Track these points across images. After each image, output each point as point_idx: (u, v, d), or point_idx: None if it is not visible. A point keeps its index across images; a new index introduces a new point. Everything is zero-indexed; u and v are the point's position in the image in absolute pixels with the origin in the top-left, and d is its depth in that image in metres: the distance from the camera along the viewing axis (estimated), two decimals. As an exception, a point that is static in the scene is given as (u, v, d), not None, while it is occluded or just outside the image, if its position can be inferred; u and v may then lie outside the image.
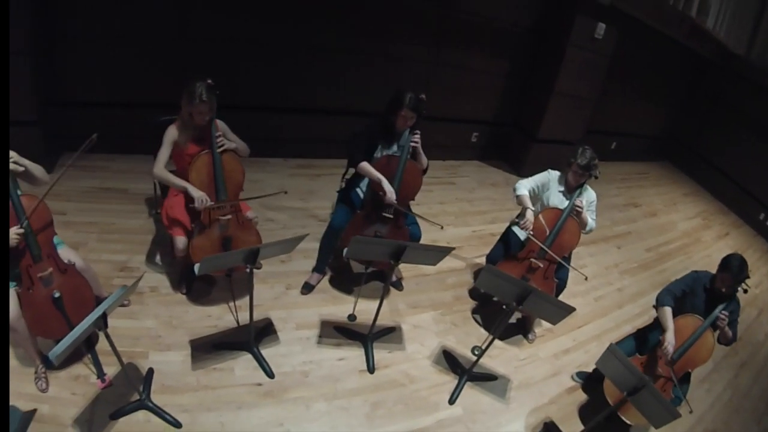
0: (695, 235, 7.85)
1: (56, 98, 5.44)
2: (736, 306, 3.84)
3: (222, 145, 3.85)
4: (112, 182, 5.47)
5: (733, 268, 3.67)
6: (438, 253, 3.73)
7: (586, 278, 4.67)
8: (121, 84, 5.62)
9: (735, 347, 5.39)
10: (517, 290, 3.48)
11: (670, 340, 3.67)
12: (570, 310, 3.40)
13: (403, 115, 4.04)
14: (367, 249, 3.62)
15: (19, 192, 3.05)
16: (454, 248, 3.73)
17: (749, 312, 6.18)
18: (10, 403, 2.34)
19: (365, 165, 4.11)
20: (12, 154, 3.03)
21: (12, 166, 3.02)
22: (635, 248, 6.91)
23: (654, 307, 4.01)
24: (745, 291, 3.79)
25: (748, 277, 3.76)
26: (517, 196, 4.33)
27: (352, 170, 4.41)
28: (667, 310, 3.83)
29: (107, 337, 2.91)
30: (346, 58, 6.44)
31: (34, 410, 2.80)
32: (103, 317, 2.80)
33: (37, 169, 3.20)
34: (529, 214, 4.17)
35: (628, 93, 9.13)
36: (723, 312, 3.68)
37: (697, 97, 10.31)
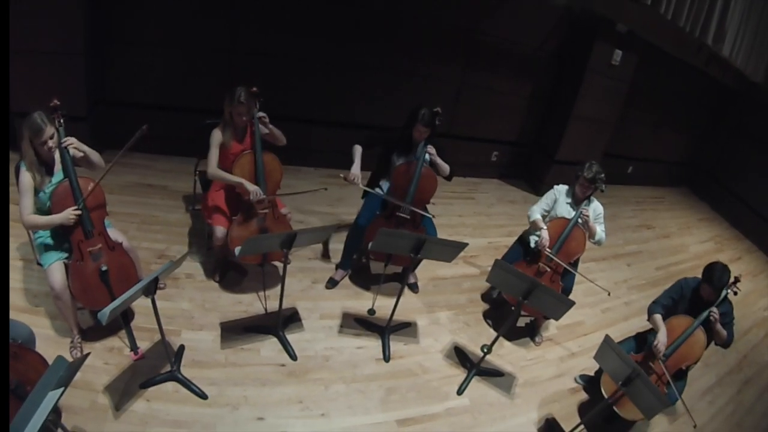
0: (707, 257, 7.80)
1: (105, 97, 5.83)
2: (728, 308, 4.01)
3: (265, 132, 4.25)
4: (154, 179, 5.86)
5: (714, 281, 3.87)
6: (453, 248, 4.00)
7: (609, 294, 4.86)
8: (166, 88, 6.01)
9: (740, 365, 5.54)
10: (524, 285, 3.75)
11: (661, 339, 3.90)
12: (570, 304, 3.67)
13: (418, 129, 4.46)
14: (390, 241, 3.90)
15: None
16: (467, 244, 3.99)
17: (756, 333, 6.29)
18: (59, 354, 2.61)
19: (356, 148, 4.63)
20: (72, 140, 3.40)
21: (72, 150, 3.41)
22: (645, 266, 7.05)
23: (647, 320, 4.22)
24: (735, 293, 4.00)
25: (738, 280, 3.99)
26: (532, 222, 4.66)
27: (374, 176, 4.86)
28: (657, 317, 4.07)
29: (153, 303, 3.22)
30: (378, 75, 6.80)
31: (87, 354, 2.88)
32: (154, 283, 3.11)
33: (94, 155, 3.57)
34: (545, 234, 4.49)
35: (648, 119, 9.22)
36: (714, 309, 3.87)
37: (716, 124, 10.29)
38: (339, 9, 6.21)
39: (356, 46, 6.51)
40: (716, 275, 3.88)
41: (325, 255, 5.31)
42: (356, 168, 4.54)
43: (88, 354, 2.82)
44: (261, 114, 4.20)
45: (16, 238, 4.39)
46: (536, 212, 4.68)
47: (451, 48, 7.01)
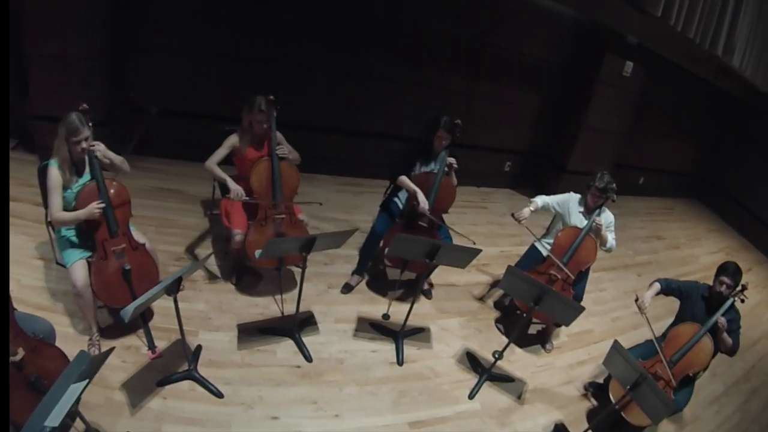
0: (716, 268, 7.91)
1: (124, 103, 5.90)
2: (735, 315, 4.08)
3: (282, 155, 4.34)
4: (170, 183, 5.97)
5: (730, 270, 4.01)
6: (468, 254, 4.08)
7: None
8: (182, 95, 6.12)
9: (748, 375, 5.56)
10: (535, 291, 3.82)
11: (645, 297, 4.21)
12: (580, 309, 3.75)
13: (439, 136, 4.55)
14: (407, 247, 4.00)
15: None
16: (481, 250, 4.07)
17: (764, 343, 6.30)
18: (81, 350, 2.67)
19: (404, 178, 4.60)
20: (101, 146, 3.53)
21: (99, 155, 3.52)
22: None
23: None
24: (743, 301, 4.05)
25: (745, 287, 4.04)
26: (531, 201, 4.77)
27: (393, 186, 4.91)
28: (655, 285, 4.32)
29: (175, 302, 3.32)
30: (391, 86, 6.91)
31: (112, 349, 2.90)
32: (177, 283, 3.21)
33: (120, 161, 3.70)
34: (525, 210, 4.61)
35: (658, 130, 9.26)
36: (722, 317, 3.93)
37: (725, 136, 10.33)
38: (352, 20, 6.33)
39: (370, 57, 6.64)
40: (731, 267, 4.04)
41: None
42: (422, 196, 4.54)
43: (113, 349, 2.89)
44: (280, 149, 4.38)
45: (35, 237, 4.51)
46: (540, 199, 4.79)
47: (463, 60, 7.13)
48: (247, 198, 4.28)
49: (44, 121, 5.24)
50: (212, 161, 4.33)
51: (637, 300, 4.17)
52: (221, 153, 4.35)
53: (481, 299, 5.42)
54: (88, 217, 3.44)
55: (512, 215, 4.57)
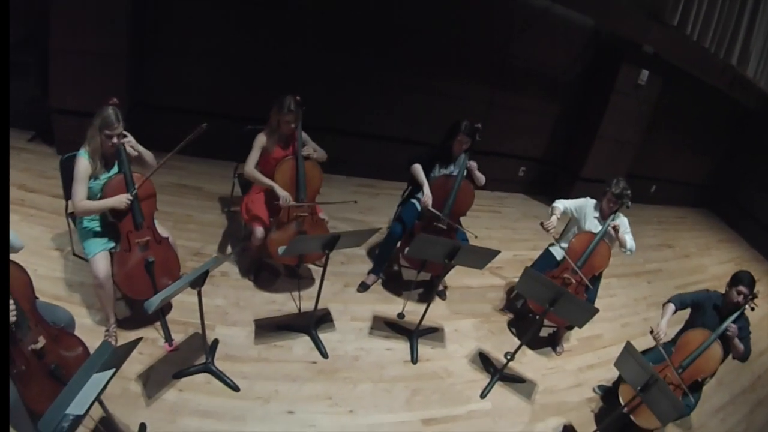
0: (726, 278, 7.63)
1: (144, 101, 6.04)
2: (745, 323, 4.12)
3: (307, 154, 4.41)
4: (189, 180, 6.05)
5: (746, 280, 4.05)
6: (486, 255, 4.14)
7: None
8: (203, 94, 6.21)
9: (754, 385, 5.58)
10: (550, 293, 3.89)
11: (661, 326, 4.10)
12: (594, 311, 3.81)
13: (459, 140, 4.64)
14: (427, 247, 4.06)
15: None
16: (499, 251, 4.13)
17: (772, 356, 6.32)
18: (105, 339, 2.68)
19: (417, 167, 4.72)
20: (130, 138, 3.63)
21: (128, 148, 3.61)
22: (665, 285, 7.10)
23: (663, 304, 4.42)
24: (753, 309, 4.11)
25: (756, 296, 4.09)
26: (552, 207, 4.81)
27: (410, 187, 5.02)
28: (670, 306, 4.29)
29: (199, 296, 3.39)
30: (412, 93, 7.01)
31: (139, 339, 2.89)
32: (203, 276, 3.28)
33: (148, 155, 3.79)
34: (553, 219, 4.61)
35: (671, 140, 9.29)
36: (732, 324, 3.98)
37: (739, 146, 10.32)
38: (377, 27, 6.45)
39: (393, 63, 6.75)
40: (747, 277, 4.08)
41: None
42: (428, 189, 4.67)
43: (140, 339, 2.91)
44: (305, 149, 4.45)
45: (52, 229, 4.58)
46: (560, 203, 4.83)
47: (481, 68, 7.22)
48: (295, 203, 4.34)
49: (64, 115, 5.38)
50: (251, 166, 4.36)
51: (652, 332, 4.11)
52: (255, 155, 4.38)
53: (502, 310, 5.45)
54: (115, 207, 3.52)
55: (541, 224, 4.59)
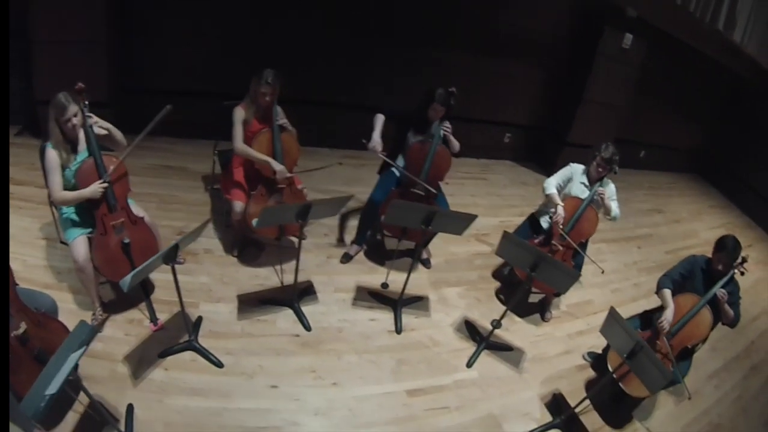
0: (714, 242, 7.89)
1: (127, 84, 5.97)
2: (735, 288, 4.05)
3: (282, 123, 4.38)
4: (173, 161, 6.01)
5: (728, 247, 3.94)
6: (464, 220, 4.10)
7: (602, 272, 5.00)
8: (185, 74, 6.15)
9: (748, 350, 5.59)
10: (530, 257, 3.83)
11: (667, 317, 3.96)
12: (576, 276, 3.78)
13: (434, 108, 4.58)
14: (403, 213, 4.01)
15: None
16: (476, 216, 4.09)
17: (765, 320, 6.31)
18: (81, 319, 2.69)
19: (378, 116, 4.77)
20: (96, 118, 3.54)
21: (96, 129, 3.53)
22: (655, 250, 7.10)
23: (655, 293, 4.27)
24: (742, 273, 4.02)
25: (745, 260, 4.02)
26: (548, 195, 4.75)
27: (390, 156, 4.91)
28: (666, 292, 4.12)
29: (173, 271, 3.36)
30: (393, 61, 6.93)
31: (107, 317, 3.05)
32: (174, 250, 3.24)
33: (117, 133, 3.70)
34: (560, 210, 4.57)
35: (660, 105, 9.26)
36: (722, 289, 3.91)
37: (730, 113, 10.29)
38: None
39: (372, 32, 6.66)
40: (730, 244, 3.96)
41: (341, 237, 5.43)
42: (377, 135, 4.66)
43: (107, 317, 2.94)
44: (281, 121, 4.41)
45: (40, 219, 4.54)
46: (552, 185, 4.76)
47: (465, 34, 7.12)
48: (291, 175, 4.34)
49: (48, 106, 5.31)
50: (240, 142, 4.31)
51: (661, 322, 3.99)
52: (240, 130, 4.32)
53: (489, 277, 5.44)
54: (92, 196, 3.47)
55: (555, 223, 4.56)
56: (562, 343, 4.82)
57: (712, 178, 10.96)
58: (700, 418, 4.46)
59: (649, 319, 4.33)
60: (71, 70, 5.23)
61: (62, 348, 2.44)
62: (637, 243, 7.19)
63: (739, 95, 10.08)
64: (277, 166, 4.25)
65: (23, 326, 2.68)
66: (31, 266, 4.11)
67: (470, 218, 4.07)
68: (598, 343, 4.67)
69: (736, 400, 4.87)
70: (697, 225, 8.54)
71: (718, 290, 3.91)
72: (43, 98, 5.22)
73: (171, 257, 3.25)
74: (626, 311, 4.85)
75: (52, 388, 2.31)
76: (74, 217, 3.67)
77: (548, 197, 4.75)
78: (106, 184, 3.49)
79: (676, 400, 4.49)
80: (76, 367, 2.50)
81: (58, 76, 5.11)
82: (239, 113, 4.32)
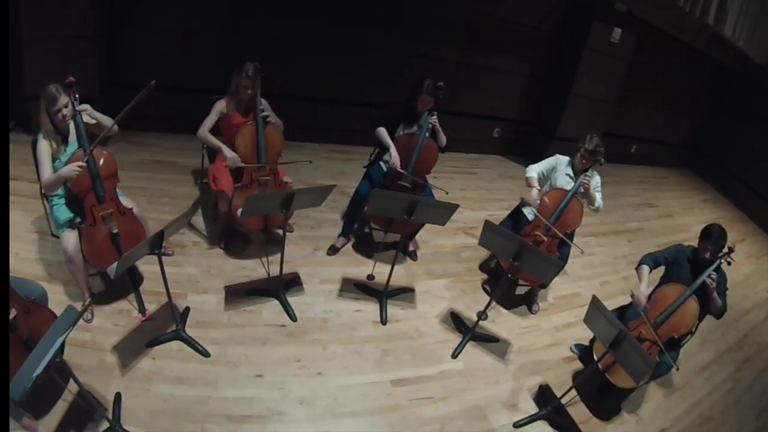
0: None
1: (116, 80, 5.99)
2: (722, 278, 4.04)
3: (266, 117, 4.38)
4: (163, 156, 6.03)
5: (714, 235, 3.98)
6: (446, 210, 4.12)
7: (582, 252, 4.95)
8: (174, 70, 6.16)
9: (740, 343, 5.59)
10: (513, 246, 3.83)
11: (642, 290, 4.05)
12: (559, 265, 3.78)
13: (423, 99, 4.59)
14: (385, 203, 4.03)
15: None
16: (458, 205, 4.11)
17: (757, 313, 6.30)
18: (69, 304, 2.72)
19: (382, 130, 4.68)
20: (86, 107, 3.60)
21: (85, 117, 3.59)
22: (646, 243, 7.03)
23: (635, 268, 4.33)
24: (729, 263, 4.04)
25: (732, 250, 4.04)
26: (527, 178, 4.78)
27: (378, 149, 4.98)
28: (644, 268, 4.20)
29: (160, 260, 3.37)
30: (381, 56, 6.95)
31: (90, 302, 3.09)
32: (160, 237, 3.27)
33: (107, 121, 3.73)
34: (534, 192, 4.62)
35: (650, 99, 9.29)
36: (712, 273, 3.91)
37: (720, 107, 10.30)
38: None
39: (360, 27, 6.67)
40: (716, 231, 4.00)
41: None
42: (394, 151, 4.64)
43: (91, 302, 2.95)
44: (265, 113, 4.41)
45: (32, 213, 4.59)
46: (533, 171, 4.80)
47: (453, 28, 7.15)
48: (243, 164, 4.34)
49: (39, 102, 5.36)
50: (204, 129, 4.40)
51: (632, 295, 4.10)
52: (211, 120, 4.41)
53: (475, 269, 5.44)
54: (69, 175, 3.46)
55: (535, 213, 4.60)
56: (549, 335, 4.82)
57: (704, 173, 10.95)
58: (691, 410, 4.46)
59: (623, 313, 4.37)
60: (61, 65, 5.16)
61: (50, 332, 2.47)
62: (627, 236, 7.19)
63: (729, 88, 10.09)
64: (228, 153, 4.30)
65: (13, 312, 2.72)
66: (22, 259, 4.14)
67: (452, 208, 4.08)
68: (586, 336, 4.65)
69: (728, 392, 4.86)
70: (689, 219, 8.51)
71: (707, 277, 3.91)
72: (33, 94, 5.25)
73: (156, 244, 3.28)
74: (615, 304, 4.88)
75: (39, 369, 2.35)
76: (64, 208, 3.71)
77: (528, 180, 4.77)
78: (84, 164, 3.48)
79: (666, 393, 4.51)
80: (62, 348, 2.53)
81: (49, 72, 5.07)
82: (219, 105, 4.40)
